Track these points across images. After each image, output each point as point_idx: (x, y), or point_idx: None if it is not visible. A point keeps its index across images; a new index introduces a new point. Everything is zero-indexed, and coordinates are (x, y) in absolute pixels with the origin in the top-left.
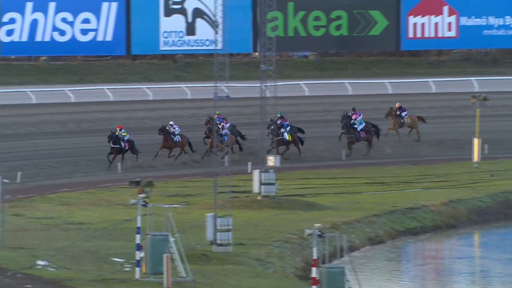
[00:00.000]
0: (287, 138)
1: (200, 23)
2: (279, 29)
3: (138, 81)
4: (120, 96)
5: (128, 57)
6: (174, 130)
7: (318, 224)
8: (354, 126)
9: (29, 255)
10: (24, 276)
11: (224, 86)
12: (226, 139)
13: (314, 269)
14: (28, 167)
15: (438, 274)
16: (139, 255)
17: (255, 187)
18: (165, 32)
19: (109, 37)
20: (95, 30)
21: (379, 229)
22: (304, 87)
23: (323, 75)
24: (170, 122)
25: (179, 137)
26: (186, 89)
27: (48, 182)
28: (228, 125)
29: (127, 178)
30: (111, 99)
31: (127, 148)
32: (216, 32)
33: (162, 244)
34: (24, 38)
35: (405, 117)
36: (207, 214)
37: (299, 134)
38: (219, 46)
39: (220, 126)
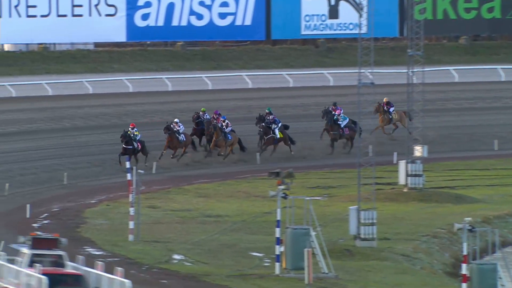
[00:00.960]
0: (278, 135)
1: (343, 6)
2: (427, 11)
3: (277, 67)
4: (259, 83)
5: (267, 42)
6: (178, 128)
7: (469, 218)
8: (338, 122)
9: (165, 249)
10: (160, 270)
11: (369, 72)
12: (230, 138)
13: (464, 266)
14: (164, 156)
15: None
16: (278, 249)
17: (401, 179)
18: (307, 15)
19: (248, 21)
20: (234, 14)
21: None
22: (454, 72)
23: (474, 60)
24: (175, 120)
25: (184, 136)
26: (328, 76)
27: (184, 173)
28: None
29: (266, 169)
30: (250, 86)
31: (139, 148)
32: (361, 15)
33: (303, 238)
34: (160, 22)
35: (393, 112)
36: (350, 207)
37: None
38: (364, 30)
39: (224, 124)
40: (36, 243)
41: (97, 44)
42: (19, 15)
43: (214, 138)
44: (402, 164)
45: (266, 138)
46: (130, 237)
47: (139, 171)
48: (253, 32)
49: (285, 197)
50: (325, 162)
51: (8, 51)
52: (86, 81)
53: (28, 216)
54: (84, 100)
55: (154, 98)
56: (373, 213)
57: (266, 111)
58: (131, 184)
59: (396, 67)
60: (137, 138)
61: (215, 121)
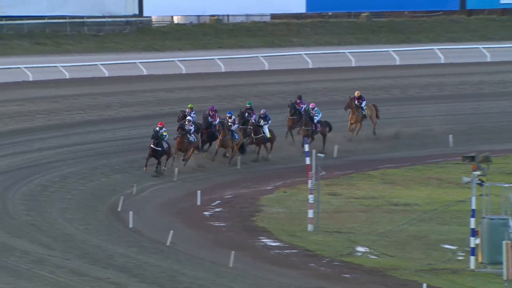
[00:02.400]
0: (268, 135)
1: None
2: None
3: (473, 40)
4: (452, 58)
5: (462, 12)
6: (190, 128)
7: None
8: (314, 117)
9: (348, 240)
10: (342, 264)
11: None
12: (237, 137)
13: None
14: (346, 139)
15: None
16: (473, 241)
17: None
18: None
19: None
20: None
21: None
22: None
23: None
24: (188, 118)
25: (194, 137)
26: None
27: (368, 157)
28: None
29: (459, 152)
30: (442, 61)
31: (168, 150)
32: None
33: (500, 230)
34: None
35: (365, 107)
36: None
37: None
38: None
39: (231, 122)
40: None
41: (273, 16)
42: None
43: (220, 137)
44: None
45: (255, 138)
46: (309, 227)
47: (319, 154)
48: (447, 1)
49: (480, 183)
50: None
51: (178, 24)
52: (262, 56)
53: (198, 203)
54: (259, 77)
55: (336, 74)
56: None
57: (247, 105)
58: (310, 169)
59: None
60: (165, 138)
61: (211, 118)
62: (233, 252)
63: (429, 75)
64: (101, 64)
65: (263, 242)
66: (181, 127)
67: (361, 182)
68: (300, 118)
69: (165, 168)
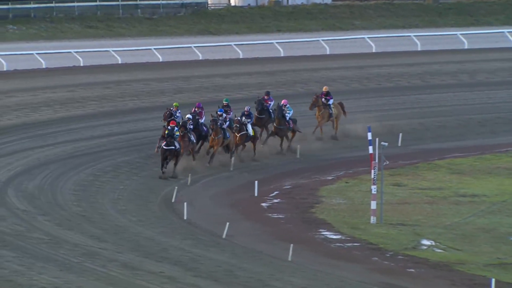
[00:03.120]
0: (251, 133)
1: None
2: None
3: None
4: None
5: None
6: (190, 127)
7: None
8: (286, 114)
9: (412, 233)
10: (406, 257)
11: None
12: (228, 136)
13: None
14: (411, 127)
15: None
16: None
17: None
18: None
19: None
20: None
21: None
22: None
23: None
24: (188, 116)
25: (194, 136)
26: None
27: (434, 145)
28: (230, 116)
29: None
30: None
31: (179, 150)
32: None
33: None
34: None
35: (332, 105)
36: None
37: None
38: None
39: (221, 119)
40: None
41: None
42: None
43: (212, 136)
44: None
45: (238, 135)
46: (372, 219)
47: (383, 143)
48: None
49: None
50: None
51: (235, 6)
52: (323, 40)
53: (255, 194)
54: (320, 62)
55: (401, 59)
56: None
57: (224, 102)
58: (373, 158)
59: None
60: (177, 136)
61: (198, 117)
62: (291, 245)
63: (499, 60)
64: (155, 48)
65: (323, 235)
66: (184, 126)
67: (426, 172)
68: (269, 117)
69: (165, 171)
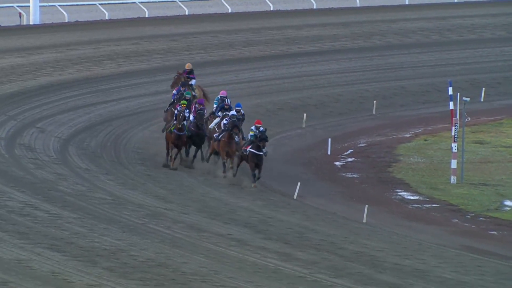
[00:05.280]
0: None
1: None
2: None
3: None
4: None
5: None
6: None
7: None
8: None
9: (495, 193)
10: (488, 219)
11: None
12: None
13: None
14: (495, 81)
15: None
16: None
17: None
18: None
19: None
20: None
21: None
22: None
23: None
24: (232, 112)
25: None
26: None
27: None
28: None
29: None
30: None
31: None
32: None
33: None
34: None
35: (195, 86)
36: None
37: None
38: None
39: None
40: None
41: None
42: None
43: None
44: None
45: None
46: (452, 179)
47: (464, 98)
48: None
49: None
50: None
51: None
52: None
53: (329, 153)
54: (399, 13)
55: (485, 9)
56: None
57: (187, 95)
58: (453, 114)
59: None
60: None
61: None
62: (366, 206)
63: None
64: None
65: (400, 195)
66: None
67: (511, 128)
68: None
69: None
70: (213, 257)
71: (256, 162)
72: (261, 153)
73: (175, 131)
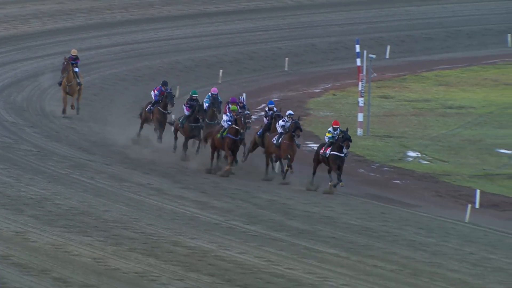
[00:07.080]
0: None
1: None
2: None
3: None
4: None
5: None
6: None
7: None
8: None
9: (399, 145)
10: (392, 169)
11: None
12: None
13: None
14: (399, 39)
15: None
16: None
17: None
18: None
19: None
20: None
21: None
22: None
23: None
24: (289, 112)
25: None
26: None
27: (422, 57)
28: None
29: None
30: None
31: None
32: None
33: None
34: None
35: (79, 72)
36: None
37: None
38: None
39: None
40: None
41: None
42: None
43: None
44: None
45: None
46: (359, 131)
47: (370, 55)
48: None
49: None
50: None
51: None
52: None
53: None
54: None
55: None
56: None
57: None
58: (360, 70)
59: None
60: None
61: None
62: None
63: None
64: None
65: (310, 147)
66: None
67: (414, 84)
68: None
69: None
70: (133, 205)
71: (339, 164)
72: (343, 154)
73: (229, 135)
